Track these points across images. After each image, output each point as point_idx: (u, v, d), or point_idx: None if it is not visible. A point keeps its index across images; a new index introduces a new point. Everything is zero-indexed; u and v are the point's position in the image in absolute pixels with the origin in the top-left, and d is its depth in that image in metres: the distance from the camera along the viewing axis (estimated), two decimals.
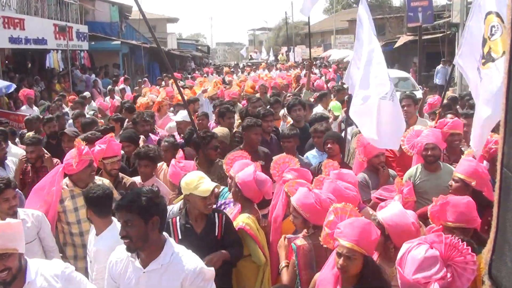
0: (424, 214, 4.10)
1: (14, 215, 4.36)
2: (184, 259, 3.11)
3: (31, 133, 7.97)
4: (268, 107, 8.41)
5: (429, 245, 2.74)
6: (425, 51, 26.16)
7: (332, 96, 10.56)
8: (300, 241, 3.72)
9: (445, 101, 7.51)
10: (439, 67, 23.38)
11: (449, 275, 2.66)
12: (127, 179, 5.55)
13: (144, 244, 3.03)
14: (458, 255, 2.67)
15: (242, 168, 4.66)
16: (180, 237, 3.94)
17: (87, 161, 4.91)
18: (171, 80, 16.53)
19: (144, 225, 3.00)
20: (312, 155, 6.27)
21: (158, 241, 3.11)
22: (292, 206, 3.92)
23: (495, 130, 4.77)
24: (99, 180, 5.08)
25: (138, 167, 5.66)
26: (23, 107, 12.46)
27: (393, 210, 3.56)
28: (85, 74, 21.68)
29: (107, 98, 14.38)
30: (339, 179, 4.25)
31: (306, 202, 3.78)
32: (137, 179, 5.64)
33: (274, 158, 5.06)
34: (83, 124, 7.87)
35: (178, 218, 4.11)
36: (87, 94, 14.33)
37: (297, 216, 3.84)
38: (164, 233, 3.19)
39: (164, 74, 21.10)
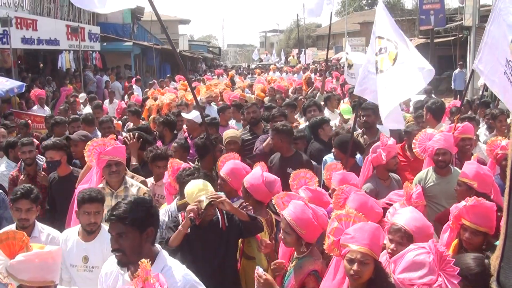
0: (441, 218, 4.10)
1: (27, 229, 4.07)
2: (175, 274, 2.91)
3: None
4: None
5: (427, 251, 2.75)
6: (437, 54, 26.04)
7: (347, 99, 10.56)
8: (315, 265, 3.51)
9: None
10: (456, 71, 22.34)
11: (438, 283, 2.65)
12: (137, 178, 5.44)
13: (137, 257, 2.75)
14: (448, 267, 2.66)
15: (230, 167, 4.85)
16: (188, 230, 3.87)
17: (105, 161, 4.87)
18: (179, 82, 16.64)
19: (139, 237, 2.85)
20: (330, 159, 6.22)
21: (150, 253, 2.92)
22: (284, 221, 3.63)
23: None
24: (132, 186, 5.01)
25: (156, 168, 5.58)
26: (35, 107, 12.55)
27: (409, 214, 3.53)
28: (97, 75, 21.80)
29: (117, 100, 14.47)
30: (343, 180, 4.27)
31: (302, 217, 3.53)
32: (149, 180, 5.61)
33: (295, 171, 4.88)
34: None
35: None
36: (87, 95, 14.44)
37: (290, 233, 3.58)
38: (157, 245, 3.05)
39: (168, 75, 21.24)
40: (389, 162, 5.20)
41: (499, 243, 1.55)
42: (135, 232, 2.82)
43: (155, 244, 3.02)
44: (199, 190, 3.86)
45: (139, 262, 2.49)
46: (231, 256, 4.13)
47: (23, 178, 5.87)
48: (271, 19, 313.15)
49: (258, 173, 4.54)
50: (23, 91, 13.04)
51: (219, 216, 4.02)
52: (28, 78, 17.09)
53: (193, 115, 7.64)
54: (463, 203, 3.74)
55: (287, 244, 3.69)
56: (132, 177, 5.40)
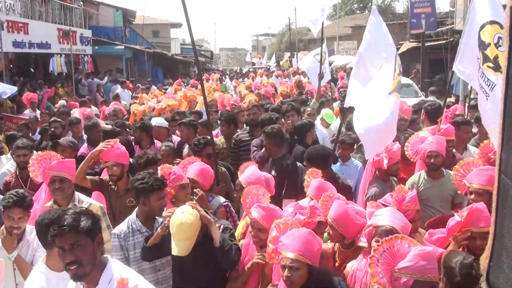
0: (434, 224, 4.11)
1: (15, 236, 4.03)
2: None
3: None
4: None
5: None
6: (428, 57, 26.15)
7: (338, 102, 10.59)
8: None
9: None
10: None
11: None
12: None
13: (92, 267, 2.74)
14: None
15: (198, 168, 4.94)
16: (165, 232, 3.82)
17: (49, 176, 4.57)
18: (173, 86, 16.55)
19: (92, 245, 2.76)
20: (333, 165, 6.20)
21: (102, 262, 2.84)
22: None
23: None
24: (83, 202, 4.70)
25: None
26: (26, 111, 12.48)
27: (392, 214, 3.56)
28: (88, 79, 21.75)
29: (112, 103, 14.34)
30: (320, 188, 4.29)
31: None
32: None
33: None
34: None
35: None
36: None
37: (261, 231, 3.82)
38: (106, 255, 2.95)
39: (167, 81, 21.16)
40: (391, 167, 5.20)
41: (488, 243, 1.57)
42: (87, 240, 2.73)
43: (104, 253, 2.94)
44: (178, 226, 3.72)
45: (118, 279, 2.52)
46: (220, 278, 4.05)
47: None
48: (263, 23, 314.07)
49: (256, 171, 4.60)
50: (16, 94, 13.00)
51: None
52: (20, 81, 17.01)
53: (157, 120, 8.07)
54: (462, 214, 3.68)
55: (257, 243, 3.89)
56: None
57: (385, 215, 3.54)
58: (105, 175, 5.45)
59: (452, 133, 5.85)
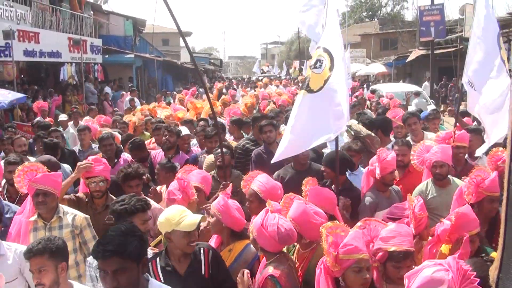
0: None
1: None
2: None
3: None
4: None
5: (446, 268, 2.60)
6: (437, 65, 26.13)
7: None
8: (273, 270, 3.41)
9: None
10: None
11: None
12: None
13: None
14: (470, 285, 2.53)
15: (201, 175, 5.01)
16: (162, 281, 3.44)
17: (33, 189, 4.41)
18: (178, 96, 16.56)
19: (137, 270, 2.63)
20: None
21: (143, 284, 2.73)
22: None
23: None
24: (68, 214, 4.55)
25: (128, 188, 5.14)
26: (37, 119, 12.61)
27: (401, 232, 3.36)
28: (98, 87, 21.96)
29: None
30: (316, 194, 4.26)
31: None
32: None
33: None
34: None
35: (158, 259, 3.63)
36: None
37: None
38: (145, 274, 2.84)
39: (178, 89, 21.17)
40: (385, 177, 5.07)
41: (497, 254, 1.56)
42: (133, 264, 2.60)
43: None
44: (181, 212, 3.53)
45: None
46: None
47: None
48: (272, 31, 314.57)
49: (269, 180, 4.61)
50: (24, 101, 13.12)
51: (203, 261, 3.62)
52: (30, 90, 17.18)
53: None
54: (446, 222, 3.68)
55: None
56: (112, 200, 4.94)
57: (394, 236, 3.32)
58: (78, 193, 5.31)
59: (465, 139, 5.85)
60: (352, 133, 6.99)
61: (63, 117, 11.77)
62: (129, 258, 2.57)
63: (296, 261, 3.85)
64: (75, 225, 4.49)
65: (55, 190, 4.48)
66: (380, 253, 3.28)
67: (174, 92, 23.69)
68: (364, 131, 6.76)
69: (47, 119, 12.70)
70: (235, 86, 26.52)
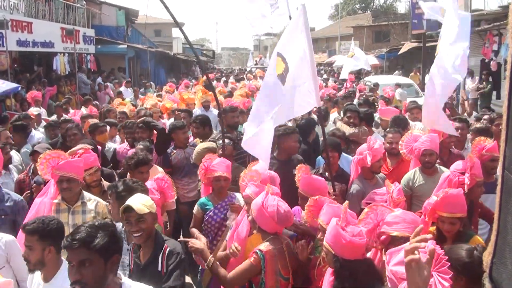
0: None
1: None
2: None
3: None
4: None
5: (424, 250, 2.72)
6: (429, 58, 26.13)
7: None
8: (264, 246, 3.61)
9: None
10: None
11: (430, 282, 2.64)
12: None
13: None
14: (441, 265, 2.59)
15: (225, 164, 4.93)
16: (132, 266, 3.54)
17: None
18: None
19: (104, 266, 2.54)
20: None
21: (114, 285, 2.65)
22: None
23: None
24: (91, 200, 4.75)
25: (139, 174, 5.18)
26: (31, 109, 12.53)
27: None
28: (91, 78, 21.80)
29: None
30: (309, 183, 4.43)
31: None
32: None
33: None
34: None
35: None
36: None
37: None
38: (119, 273, 2.76)
39: (170, 80, 20.99)
40: (374, 165, 5.25)
41: (491, 239, 1.61)
42: (100, 259, 2.52)
43: (118, 272, 2.73)
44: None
45: None
46: None
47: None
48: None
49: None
50: (18, 91, 13.04)
51: (160, 257, 3.52)
52: (24, 80, 17.06)
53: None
54: (433, 198, 3.87)
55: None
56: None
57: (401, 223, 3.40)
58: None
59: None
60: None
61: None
62: (96, 251, 2.51)
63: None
64: (97, 211, 4.68)
65: (78, 176, 4.68)
66: (383, 236, 3.40)
67: (152, 83, 23.62)
68: (347, 130, 7.16)
69: (41, 109, 12.64)
70: (224, 78, 26.14)
